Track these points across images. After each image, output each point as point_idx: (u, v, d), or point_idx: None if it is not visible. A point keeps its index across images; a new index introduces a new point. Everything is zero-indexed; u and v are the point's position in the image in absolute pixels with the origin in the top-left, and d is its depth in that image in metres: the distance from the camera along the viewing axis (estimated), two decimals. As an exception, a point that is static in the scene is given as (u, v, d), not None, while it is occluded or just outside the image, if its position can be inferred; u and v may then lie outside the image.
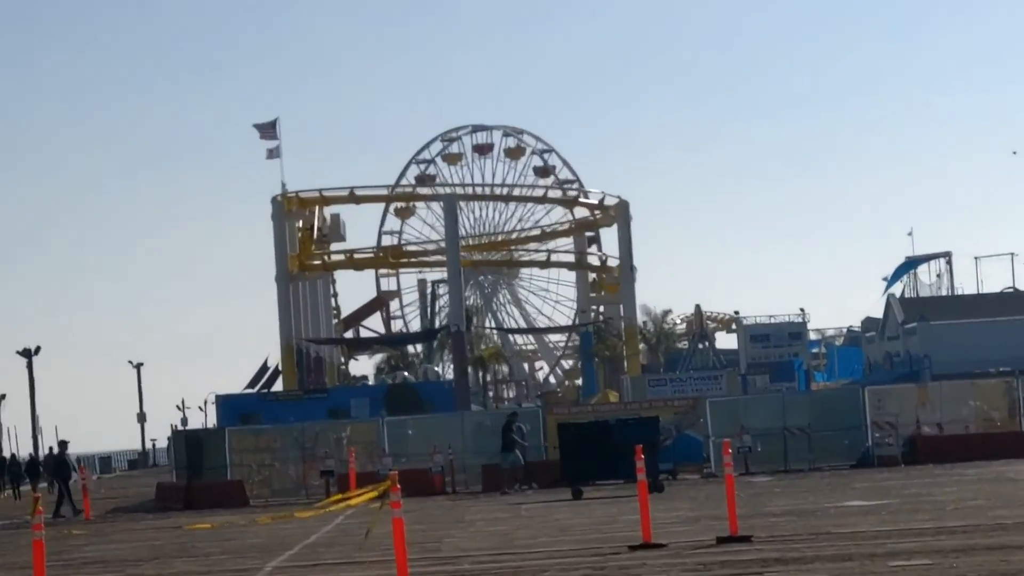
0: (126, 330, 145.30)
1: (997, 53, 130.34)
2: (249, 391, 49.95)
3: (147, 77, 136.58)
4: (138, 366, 64.73)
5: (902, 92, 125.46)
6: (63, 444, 27.82)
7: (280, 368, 53.03)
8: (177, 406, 59.29)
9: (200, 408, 56.25)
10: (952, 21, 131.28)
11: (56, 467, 26.78)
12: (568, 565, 11.80)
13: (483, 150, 69.33)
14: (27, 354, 49.65)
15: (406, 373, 57.08)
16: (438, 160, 70.27)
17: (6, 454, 45.73)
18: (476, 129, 68.46)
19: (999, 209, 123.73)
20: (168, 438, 34.96)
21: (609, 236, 61.30)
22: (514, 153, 70.63)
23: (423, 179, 67.79)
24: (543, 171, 70.45)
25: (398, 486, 9.35)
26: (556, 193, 64.12)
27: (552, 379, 72.36)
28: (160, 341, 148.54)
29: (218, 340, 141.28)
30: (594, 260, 64.14)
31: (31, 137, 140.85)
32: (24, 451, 47.17)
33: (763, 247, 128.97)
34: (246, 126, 71.95)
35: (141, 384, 64.04)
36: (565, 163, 69.59)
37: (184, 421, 56.76)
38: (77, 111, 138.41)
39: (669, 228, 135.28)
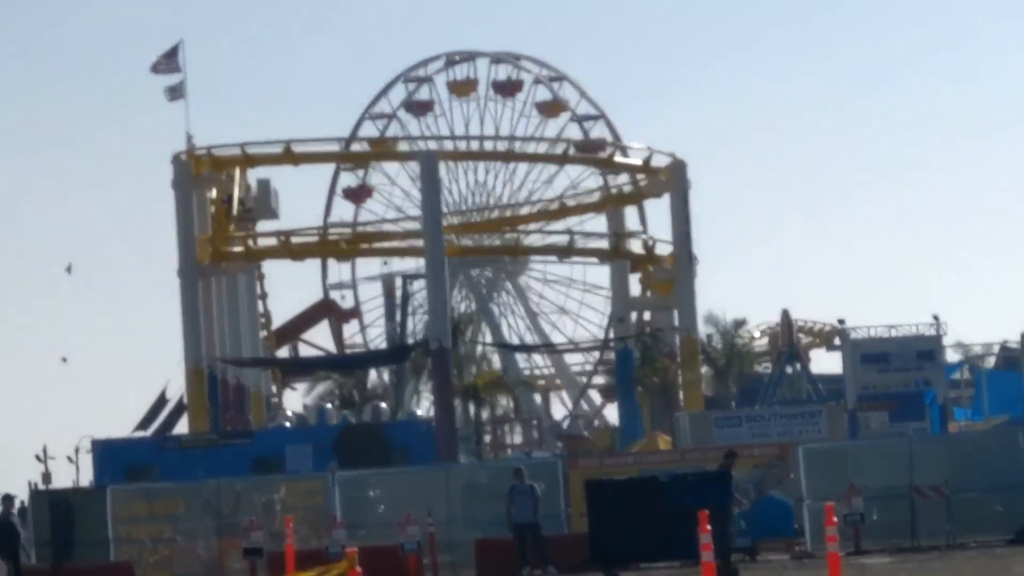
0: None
1: None
2: (140, 434, 49.85)
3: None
4: None
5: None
6: (7, 499, 24.41)
7: (184, 401, 50.37)
8: (37, 456, 55.01)
9: (70, 459, 53.75)
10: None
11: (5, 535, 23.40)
12: None
13: (464, 88, 64.27)
14: None
15: (364, 408, 53.54)
16: (401, 111, 67.36)
17: None
18: (452, 61, 64.62)
19: None
20: (22, 502, 31.43)
21: (658, 212, 57.96)
22: (510, 88, 64.35)
23: (386, 130, 65.26)
24: (552, 108, 63.85)
25: (358, 570, 9.24)
26: (578, 146, 58.46)
27: (577, 417, 66.89)
28: (12, 364, 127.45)
29: (96, 362, 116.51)
30: (636, 247, 57.25)
31: None
32: None
33: (874, 234, 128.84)
34: (143, 59, 68.06)
35: None
36: (590, 101, 62.21)
37: (47, 477, 53.18)
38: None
39: (742, 204, 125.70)
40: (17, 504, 27.33)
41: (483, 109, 67.78)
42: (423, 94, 67.70)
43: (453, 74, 68.19)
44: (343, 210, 66.40)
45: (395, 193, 65.18)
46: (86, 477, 47.71)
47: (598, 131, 65.42)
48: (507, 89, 66.20)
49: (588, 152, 59.86)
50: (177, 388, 51.20)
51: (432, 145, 59.89)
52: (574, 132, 64.60)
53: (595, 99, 66.95)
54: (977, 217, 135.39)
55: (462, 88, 66.55)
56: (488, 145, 61.42)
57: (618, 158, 58.24)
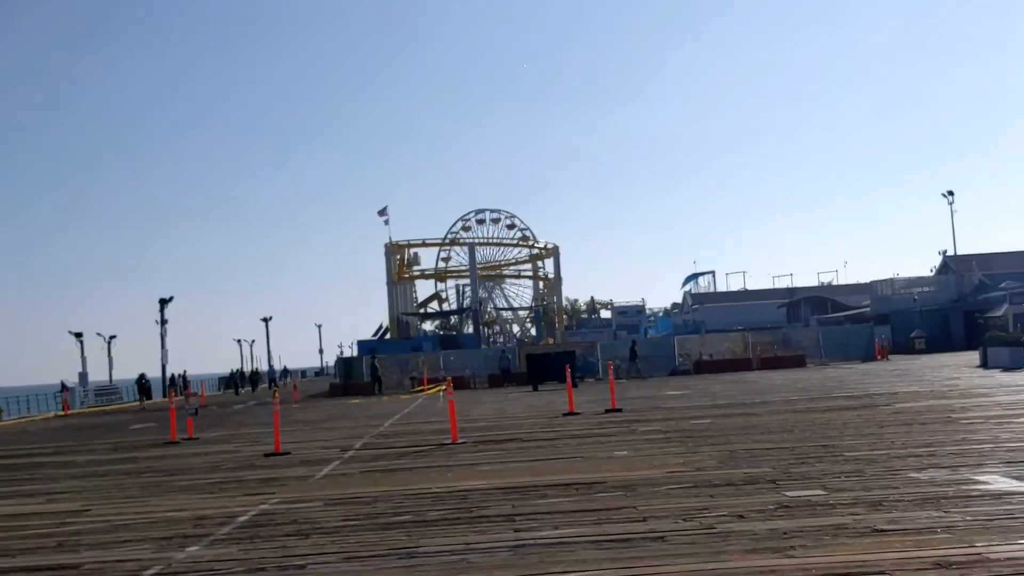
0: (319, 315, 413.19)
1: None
2: (374, 338, 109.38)
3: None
4: (319, 325, 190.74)
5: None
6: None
7: (388, 327, 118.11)
8: (338, 345, 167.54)
9: (349, 347, 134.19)
10: None
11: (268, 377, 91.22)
12: (533, 423, 26.78)
13: (491, 221, 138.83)
14: (265, 320, 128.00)
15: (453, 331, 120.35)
16: (472, 222, 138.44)
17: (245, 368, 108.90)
18: (481, 211, 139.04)
19: (741, 237, 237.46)
20: (336, 361, 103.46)
21: (549, 263, 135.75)
22: (507, 226, 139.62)
23: (459, 234, 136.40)
24: (518, 232, 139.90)
25: (451, 383, 27.09)
26: (523, 243, 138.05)
27: (521, 333, 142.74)
28: (333, 320, 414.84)
29: (359, 316, 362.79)
30: (541, 275, 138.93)
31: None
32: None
33: (628, 269, 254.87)
34: (372, 209, 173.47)
35: (321, 334, 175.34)
36: (528, 227, 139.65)
37: (342, 352, 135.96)
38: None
39: (580, 257, 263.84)
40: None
41: (493, 228, 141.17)
42: (473, 219, 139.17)
43: (482, 216, 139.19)
44: (443, 258, 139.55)
45: (460, 253, 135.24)
46: (356, 352, 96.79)
47: (528, 234, 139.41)
48: (501, 223, 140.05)
49: (525, 242, 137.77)
50: (385, 324, 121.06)
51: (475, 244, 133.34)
52: (517, 235, 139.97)
53: (526, 221, 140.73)
54: (662, 257, 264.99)
55: (484, 222, 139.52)
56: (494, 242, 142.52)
57: (535, 245, 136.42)
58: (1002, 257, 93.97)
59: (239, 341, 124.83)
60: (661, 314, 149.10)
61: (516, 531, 10.41)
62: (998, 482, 11.76)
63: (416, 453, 20.05)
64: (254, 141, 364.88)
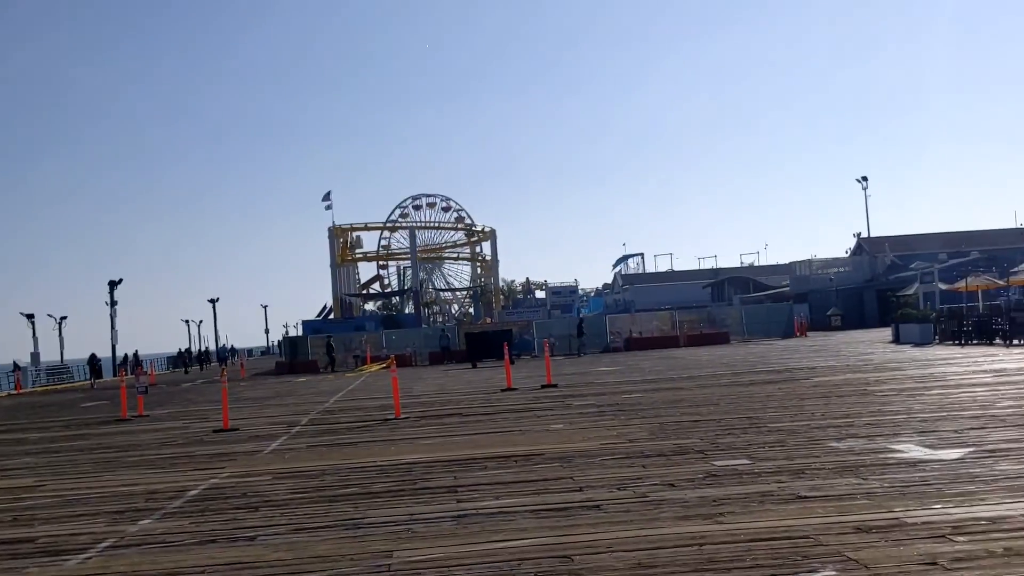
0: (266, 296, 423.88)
1: None
2: (318, 319, 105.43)
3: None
4: (265, 306, 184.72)
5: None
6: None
7: (331, 308, 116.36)
8: (284, 325, 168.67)
9: (294, 327, 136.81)
10: None
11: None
12: (473, 399, 26.90)
13: (427, 205, 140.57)
14: (213, 302, 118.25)
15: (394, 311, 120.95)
16: (408, 207, 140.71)
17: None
18: (420, 196, 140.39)
19: (669, 221, 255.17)
20: (280, 340, 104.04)
21: (486, 246, 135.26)
22: (443, 209, 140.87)
23: (402, 217, 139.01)
24: (454, 213, 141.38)
25: (393, 362, 39.33)
26: (461, 227, 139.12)
27: (460, 313, 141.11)
28: (278, 301, 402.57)
29: (304, 298, 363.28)
30: (479, 257, 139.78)
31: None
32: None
33: (562, 251, 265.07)
34: (317, 194, 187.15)
35: (267, 315, 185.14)
36: (464, 210, 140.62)
37: (287, 332, 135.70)
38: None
39: (516, 240, 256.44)
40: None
41: (434, 212, 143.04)
42: (416, 203, 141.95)
43: (424, 200, 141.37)
44: (384, 242, 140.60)
45: (402, 237, 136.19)
46: (300, 332, 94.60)
47: (465, 216, 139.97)
48: (442, 208, 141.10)
49: (462, 224, 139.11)
50: (329, 304, 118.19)
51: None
52: (453, 217, 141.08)
53: (464, 206, 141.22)
54: (591, 241, 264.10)
55: (426, 205, 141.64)
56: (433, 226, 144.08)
57: (475, 228, 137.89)
58: (913, 239, 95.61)
59: (187, 322, 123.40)
60: (593, 294, 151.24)
61: (459, 502, 10.40)
62: (912, 451, 11.95)
63: (361, 428, 19.98)
64: (205, 127, 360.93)
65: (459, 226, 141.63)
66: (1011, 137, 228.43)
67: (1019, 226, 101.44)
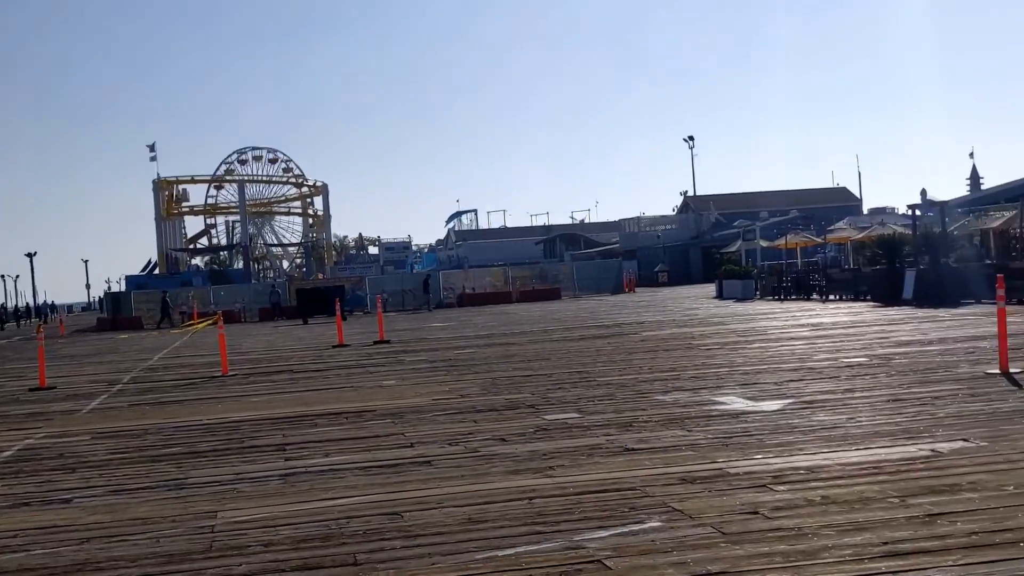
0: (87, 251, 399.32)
1: None
2: (142, 274, 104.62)
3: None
4: (86, 261, 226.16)
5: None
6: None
7: (156, 263, 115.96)
8: (106, 280, 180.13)
9: (117, 282, 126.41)
10: None
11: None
12: (303, 355, 26.57)
13: (253, 159, 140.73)
14: (30, 256, 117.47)
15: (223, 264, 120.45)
16: (235, 162, 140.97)
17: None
18: (249, 149, 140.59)
19: (502, 177, 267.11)
20: (103, 296, 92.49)
21: (318, 201, 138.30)
22: (272, 161, 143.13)
23: (229, 171, 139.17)
24: (282, 165, 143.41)
25: (221, 318, 29.86)
26: (292, 181, 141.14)
27: (291, 268, 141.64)
28: (100, 255, 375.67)
29: (127, 252, 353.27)
30: (311, 212, 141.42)
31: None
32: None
33: (395, 206, 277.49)
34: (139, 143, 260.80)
35: (88, 270, 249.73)
36: (292, 161, 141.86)
37: (110, 288, 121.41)
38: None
39: (349, 195, 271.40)
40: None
41: (264, 165, 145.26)
42: (243, 156, 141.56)
43: (254, 153, 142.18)
44: (212, 195, 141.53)
45: (231, 190, 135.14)
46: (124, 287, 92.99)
47: (295, 170, 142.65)
48: (272, 161, 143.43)
49: (293, 178, 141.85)
50: (155, 259, 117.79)
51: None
52: (281, 168, 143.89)
53: (296, 159, 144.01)
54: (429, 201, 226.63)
55: (256, 158, 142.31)
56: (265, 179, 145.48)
57: (306, 183, 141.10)
58: (737, 197, 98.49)
59: (2, 277, 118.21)
60: (427, 250, 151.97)
61: (287, 460, 10.18)
62: (735, 403, 12.27)
63: (186, 386, 19.46)
64: (11, 66, 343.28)
65: (287, 178, 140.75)
66: (831, 101, 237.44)
67: (836, 186, 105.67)
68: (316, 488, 8.56)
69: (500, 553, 6.12)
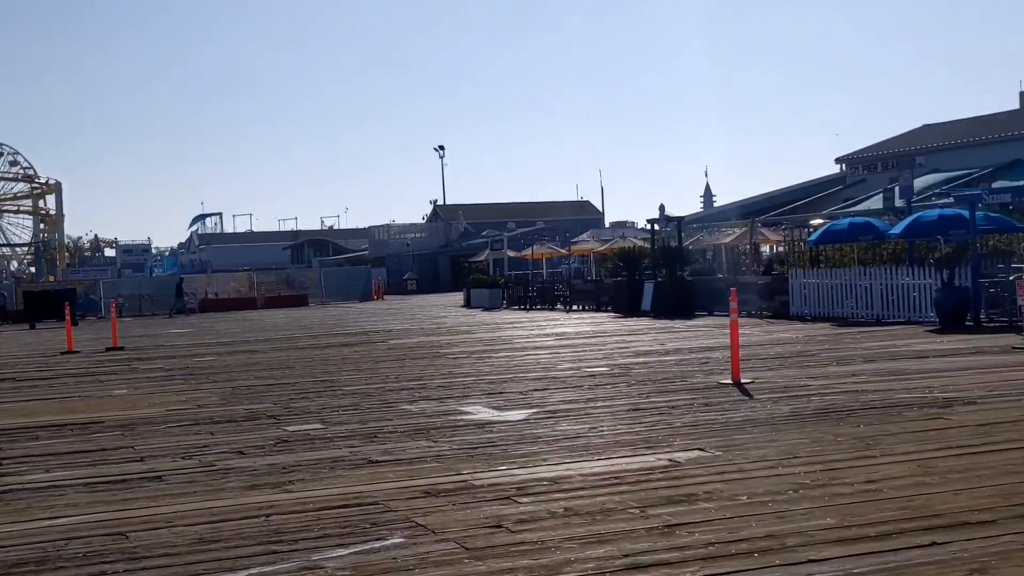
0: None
1: None
2: None
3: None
4: None
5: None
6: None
7: None
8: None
9: None
10: None
11: None
12: (28, 362, 25.16)
13: None
14: None
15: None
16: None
17: None
18: None
19: (248, 180, 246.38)
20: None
21: (51, 199, 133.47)
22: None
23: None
24: (12, 162, 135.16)
25: None
26: (18, 175, 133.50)
27: (19, 270, 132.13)
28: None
29: None
30: (43, 211, 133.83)
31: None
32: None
33: (135, 207, 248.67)
34: None
35: None
36: (22, 155, 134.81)
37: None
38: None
39: (85, 195, 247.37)
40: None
41: None
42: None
43: None
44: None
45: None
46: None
47: (21, 162, 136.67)
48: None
49: (20, 172, 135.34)
50: None
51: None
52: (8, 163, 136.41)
53: (27, 154, 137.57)
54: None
55: None
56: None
57: (38, 180, 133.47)
58: (486, 208, 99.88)
59: None
60: (168, 253, 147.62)
61: (3, 476, 9.44)
62: (480, 412, 12.26)
63: None
64: None
65: (12, 173, 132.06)
66: (571, 116, 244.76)
67: (580, 199, 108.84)
68: (34, 507, 7.92)
69: (232, 576, 5.76)
